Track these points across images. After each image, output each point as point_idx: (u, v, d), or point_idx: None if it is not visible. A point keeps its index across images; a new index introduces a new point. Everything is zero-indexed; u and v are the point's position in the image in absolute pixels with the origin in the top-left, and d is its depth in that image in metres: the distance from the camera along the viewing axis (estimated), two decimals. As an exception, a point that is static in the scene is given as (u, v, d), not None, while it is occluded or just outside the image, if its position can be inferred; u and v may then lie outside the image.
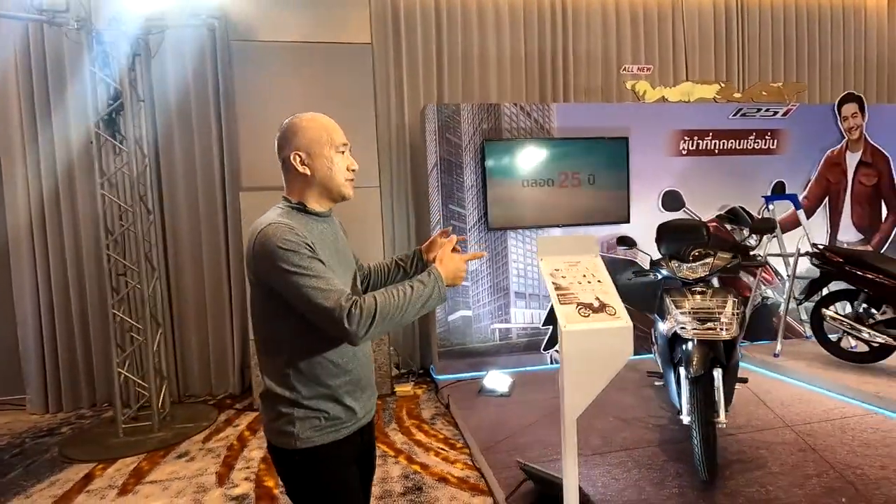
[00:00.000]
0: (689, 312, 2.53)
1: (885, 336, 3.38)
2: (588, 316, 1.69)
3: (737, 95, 4.70)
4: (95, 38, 3.30)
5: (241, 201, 3.77)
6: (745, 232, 4.70)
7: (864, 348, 3.64)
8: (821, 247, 3.81)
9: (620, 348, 1.66)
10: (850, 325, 3.55)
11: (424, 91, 4.62)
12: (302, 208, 1.27)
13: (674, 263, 2.75)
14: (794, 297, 4.09)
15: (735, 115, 4.63)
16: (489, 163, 4.14)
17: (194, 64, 3.99)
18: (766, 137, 4.71)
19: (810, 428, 2.93)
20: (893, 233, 4.98)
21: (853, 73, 5.33)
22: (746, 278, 4.62)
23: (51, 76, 3.81)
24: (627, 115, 4.47)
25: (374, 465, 1.47)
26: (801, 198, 4.79)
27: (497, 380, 3.82)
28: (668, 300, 2.66)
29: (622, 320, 1.67)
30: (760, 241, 4.46)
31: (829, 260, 3.68)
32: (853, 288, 3.57)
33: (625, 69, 4.47)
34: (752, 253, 4.32)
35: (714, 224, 4.66)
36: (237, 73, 3.74)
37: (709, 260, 2.75)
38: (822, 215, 4.89)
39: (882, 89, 5.44)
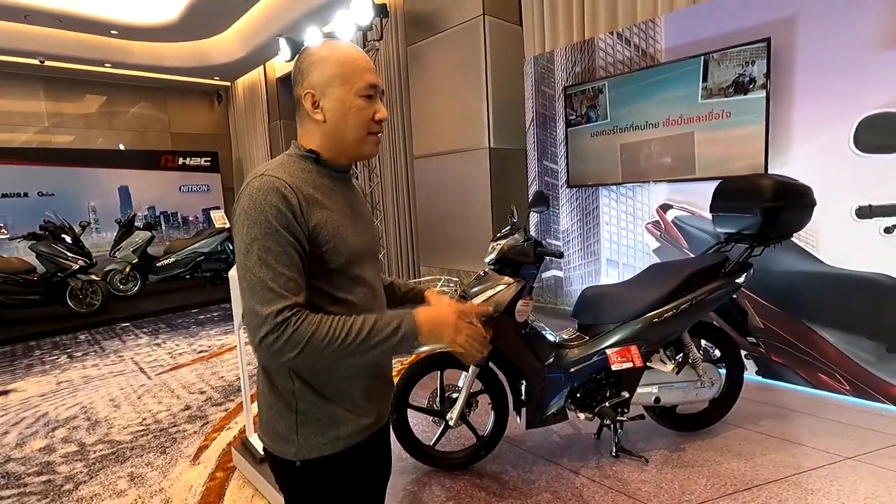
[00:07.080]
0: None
1: None
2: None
3: None
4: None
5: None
6: None
7: None
8: None
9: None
10: None
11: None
12: (315, 158, 1.00)
13: (492, 243, 2.20)
14: None
15: None
16: (570, 112, 3.68)
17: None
18: None
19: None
20: None
21: None
22: None
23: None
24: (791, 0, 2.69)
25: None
26: None
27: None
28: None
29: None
30: None
31: None
32: None
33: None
34: None
35: None
36: (411, 69, 5.02)
37: (501, 242, 2.07)
38: None
39: None
